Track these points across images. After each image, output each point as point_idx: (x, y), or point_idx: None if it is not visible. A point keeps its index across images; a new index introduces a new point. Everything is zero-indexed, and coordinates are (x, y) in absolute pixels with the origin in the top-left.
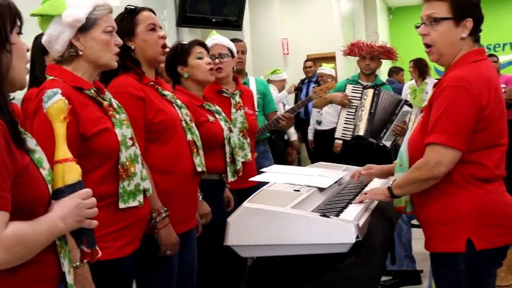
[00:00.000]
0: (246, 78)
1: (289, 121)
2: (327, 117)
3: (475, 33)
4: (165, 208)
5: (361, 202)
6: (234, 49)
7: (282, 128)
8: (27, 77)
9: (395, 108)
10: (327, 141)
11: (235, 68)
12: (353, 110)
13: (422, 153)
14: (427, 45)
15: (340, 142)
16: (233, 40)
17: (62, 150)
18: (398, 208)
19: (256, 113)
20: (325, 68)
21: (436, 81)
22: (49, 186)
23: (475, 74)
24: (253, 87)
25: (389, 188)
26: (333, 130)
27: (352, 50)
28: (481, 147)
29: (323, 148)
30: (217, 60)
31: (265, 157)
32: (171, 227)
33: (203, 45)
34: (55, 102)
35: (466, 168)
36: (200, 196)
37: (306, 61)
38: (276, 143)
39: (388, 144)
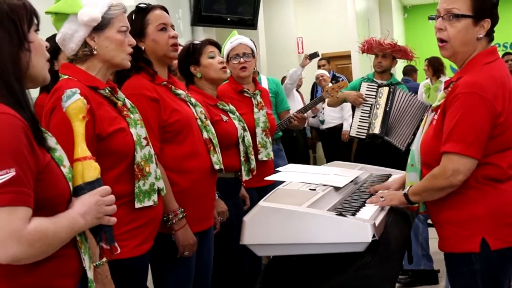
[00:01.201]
0: (258, 77)
1: (301, 120)
2: (330, 114)
3: (490, 34)
4: (182, 209)
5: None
6: (255, 50)
7: (295, 127)
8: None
9: (422, 114)
10: (334, 138)
11: (255, 68)
12: (368, 108)
13: (435, 158)
14: (441, 40)
15: (348, 130)
16: None
17: (81, 148)
18: (411, 208)
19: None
20: (320, 70)
21: (447, 79)
22: (70, 183)
23: (488, 78)
24: (265, 86)
25: (405, 195)
26: (338, 126)
27: (365, 47)
28: (495, 151)
29: (333, 146)
30: (241, 60)
31: (279, 156)
32: (188, 228)
33: (214, 44)
34: (74, 101)
35: (479, 170)
36: (216, 195)
37: (320, 59)
38: (297, 141)
39: None
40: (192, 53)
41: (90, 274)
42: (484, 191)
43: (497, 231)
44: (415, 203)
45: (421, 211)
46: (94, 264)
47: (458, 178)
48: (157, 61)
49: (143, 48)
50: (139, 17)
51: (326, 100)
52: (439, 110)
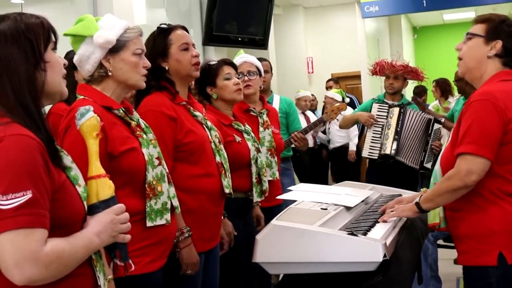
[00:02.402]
0: (271, 96)
1: (301, 141)
2: (336, 133)
3: (504, 57)
4: (188, 228)
5: (386, 220)
6: (262, 68)
7: (297, 148)
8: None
9: (427, 128)
10: (342, 158)
11: (262, 87)
12: (379, 129)
13: (454, 166)
14: (459, 58)
15: (354, 150)
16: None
17: (95, 166)
18: (432, 224)
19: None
20: (329, 92)
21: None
22: (85, 202)
23: (502, 90)
24: (276, 105)
25: (417, 204)
26: (345, 145)
27: (376, 69)
28: (509, 160)
29: (341, 166)
30: (245, 78)
31: (285, 174)
32: (193, 247)
33: (231, 64)
34: (88, 119)
35: (495, 183)
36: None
37: (328, 80)
38: (302, 161)
39: (429, 165)
40: (208, 74)
41: None
42: (501, 206)
43: None
44: (427, 211)
45: (442, 227)
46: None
47: (472, 178)
48: (179, 80)
49: (166, 68)
50: (161, 37)
51: (338, 122)
52: (455, 125)
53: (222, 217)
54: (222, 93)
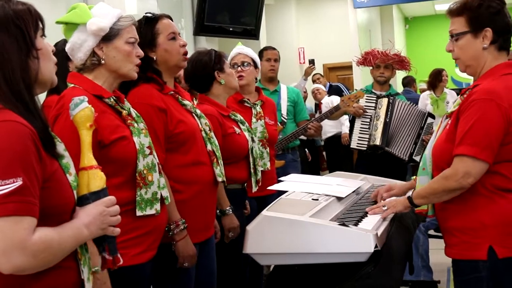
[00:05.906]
0: (278, 85)
1: (317, 129)
2: (326, 123)
3: (498, 41)
4: (183, 220)
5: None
6: (258, 61)
7: (310, 136)
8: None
9: (421, 121)
10: (334, 147)
11: (257, 79)
12: (368, 120)
13: (447, 161)
14: (454, 58)
15: (347, 132)
16: (266, 48)
17: (88, 157)
18: (419, 211)
19: (286, 120)
20: (315, 84)
21: (458, 89)
22: (75, 192)
23: (505, 87)
24: (284, 95)
25: (410, 198)
26: (336, 135)
27: (367, 59)
28: (505, 159)
29: (333, 156)
30: (239, 69)
31: (293, 166)
32: (189, 239)
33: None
34: (82, 109)
35: (489, 178)
36: (230, 210)
37: (314, 74)
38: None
39: (418, 158)
40: (218, 60)
41: (88, 286)
42: (492, 200)
43: (505, 239)
44: (419, 206)
45: (430, 215)
46: (93, 269)
47: (468, 180)
48: (167, 70)
49: (154, 58)
50: (148, 27)
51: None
52: (452, 116)
53: (229, 212)
54: (230, 79)
